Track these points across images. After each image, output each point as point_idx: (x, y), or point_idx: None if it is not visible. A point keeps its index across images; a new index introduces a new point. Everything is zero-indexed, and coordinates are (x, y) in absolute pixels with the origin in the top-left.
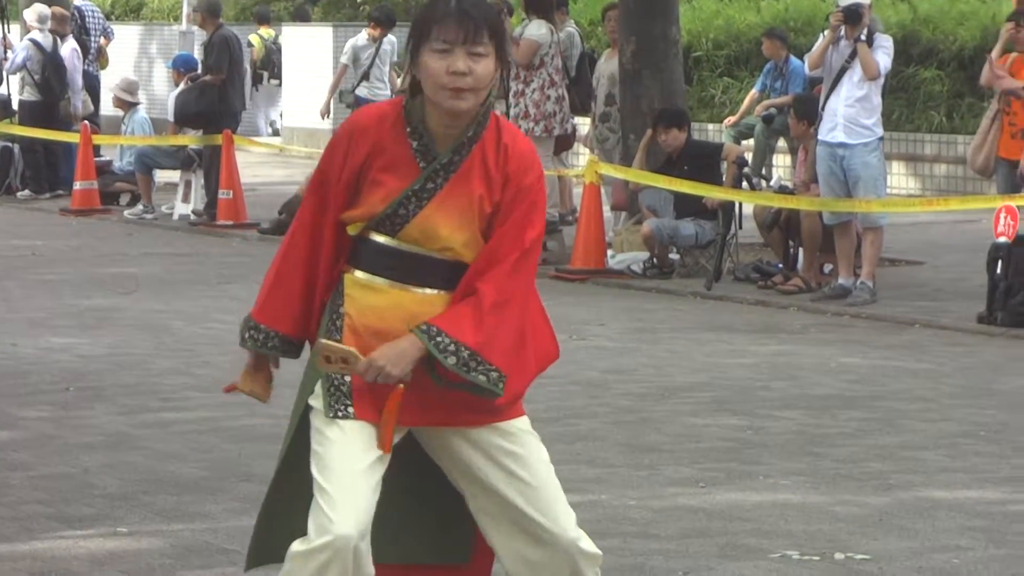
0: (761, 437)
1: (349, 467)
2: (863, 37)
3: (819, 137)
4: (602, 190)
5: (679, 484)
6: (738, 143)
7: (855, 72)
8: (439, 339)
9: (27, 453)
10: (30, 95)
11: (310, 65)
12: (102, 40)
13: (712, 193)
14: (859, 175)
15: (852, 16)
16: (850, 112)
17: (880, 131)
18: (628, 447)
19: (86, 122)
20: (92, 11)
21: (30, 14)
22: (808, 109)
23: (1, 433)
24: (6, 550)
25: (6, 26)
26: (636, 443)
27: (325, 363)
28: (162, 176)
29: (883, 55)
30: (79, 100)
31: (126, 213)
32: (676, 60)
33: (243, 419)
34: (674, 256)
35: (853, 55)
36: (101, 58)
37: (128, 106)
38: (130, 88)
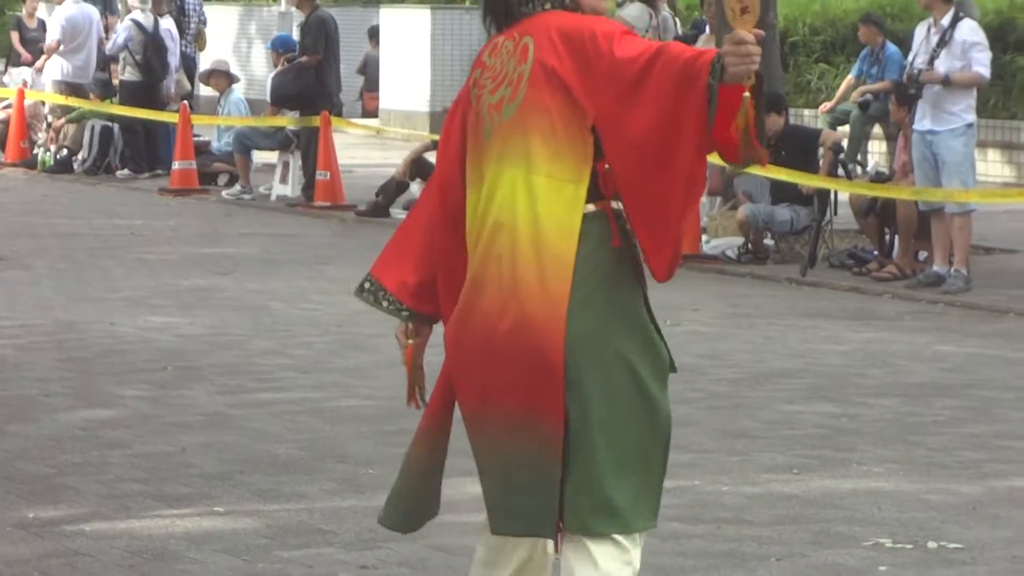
0: (855, 424)
1: None
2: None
3: (912, 124)
4: None
5: (773, 470)
6: (834, 129)
7: (943, 59)
8: None
9: (125, 432)
10: (131, 75)
11: (407, 47)
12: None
13: (808, 181)
14: (945, 160)
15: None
16: (938, 98)
17: (970, 117)
18: (722, 432)
19: (185, 102)
20: None
21: None
22: (908, 95)
23: (100, 412)
24: (104, 528)
25: (107, 6)
26: (730, 429)
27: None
28: (260, 157)
29: (979, 66)
30: (172, 81)
31: (224, 193)
32: (773, 45)
33: (339, 400)
34: (769, 242)
35: (941, 42)
36: (199, 40)
37: (224, 85)
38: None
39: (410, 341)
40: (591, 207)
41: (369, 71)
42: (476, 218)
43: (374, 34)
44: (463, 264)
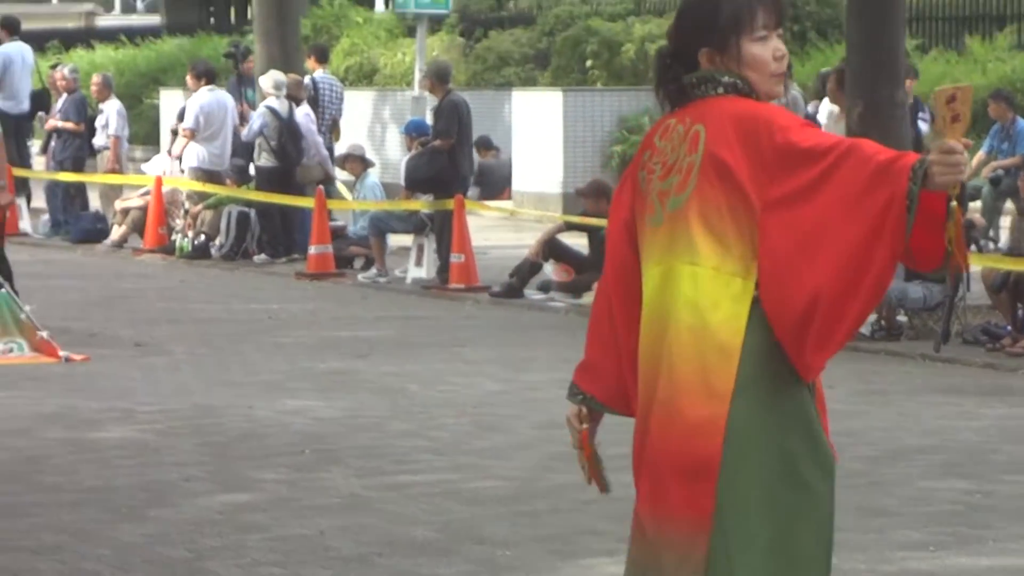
0: (991, 501)
1: None
2: None
3: None
4: None
5: (909, 548)
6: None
7: None
8: None
9: (264, 515)
10: (267, 161)
11: (540, 130)
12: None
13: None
14: None
15: None
16: None
17: None
18: (858, 510)
19: (320, 187)
20: (330, 85)
21: (266, 81)
22: None
23: (239, 495)
24: None
25: (243, 92)
26: (866, 506)
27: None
28: (395, 240)
29: None
30: (329, 163)
31: (360, 276)
32: (903, 122)
33: (477, 481)
34: (902, 318)
35: None
36: (334, 130)
37: (359, 169)
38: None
39: (584, 426)
40: (756, 294)
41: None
42: (644, 308)
43: (487, 144)
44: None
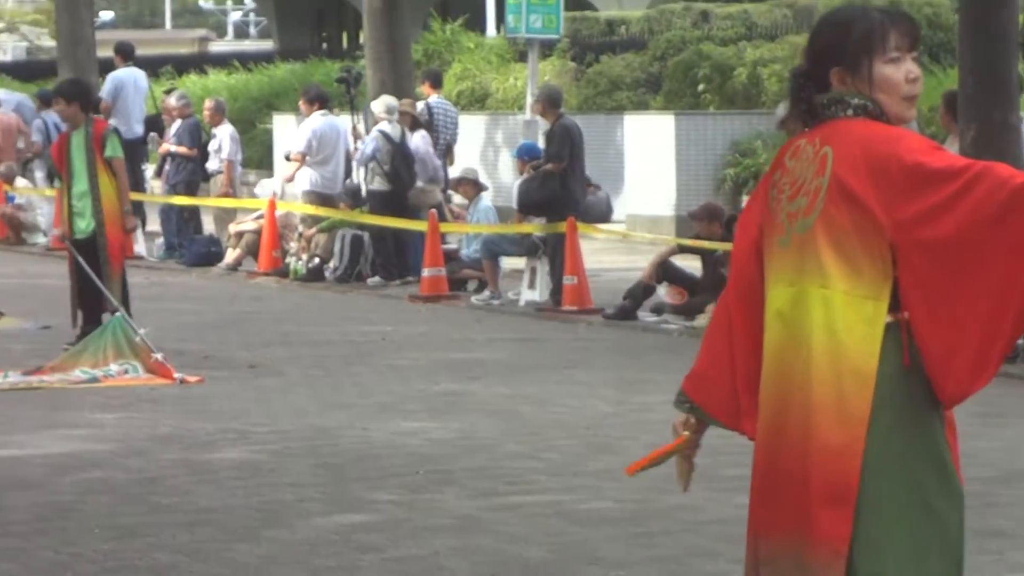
0: None
1: None
2: None
3: None
4: None
5: None
6: None
7: None
8: None
9: (378, 536)
10: (379, 185)
11: (652, 153)
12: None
13: None
14: None
15: None
16: None
17: None
18: (974, 532)
19: (434, 211)
20: (444, 109)
21: (378, 105)
22: None
23: (353, 516)
24: None
25: (356, 116)
26: (982, 528)
27: None
28: (508, 263)
29: None
30: (438, 187)
31: (473, 299)
32: (1017, 146)
33: (590, 502)
34: (1021, 340)
35: None
36: (449, 155)
37: (472, 193)
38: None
39: (685, 433)
40: (889, 318)
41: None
42: (769, 329)
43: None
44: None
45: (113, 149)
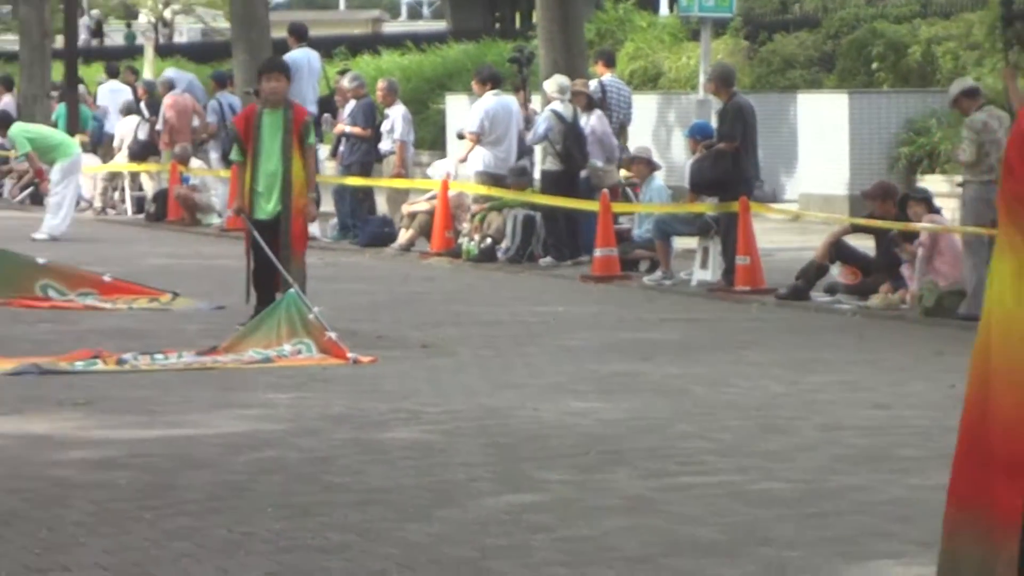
0: None
1: None
2: None
3: None
4: None
5: None
6: None
7: None
8: None
9: (549, 515)
10: (552, 165)
11: (826, 132)
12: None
13: None
14: None
15: None
16: None
17: None
18: None
19: (605, 191)
20: (618, 88)
21: (550, 85)
22: None
23: (524, 496)
24: None
25: (527, 95)
26: None
27: None
28: (680, 243)
29: None
30: (616, 167)
31: (645, 279)
32: None
33: (761, 483)
34: None
35: None
36: (622, 134)
37: (645, 172)
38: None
39: None
40: None
41: None
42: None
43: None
44: None
45: (312, 137)
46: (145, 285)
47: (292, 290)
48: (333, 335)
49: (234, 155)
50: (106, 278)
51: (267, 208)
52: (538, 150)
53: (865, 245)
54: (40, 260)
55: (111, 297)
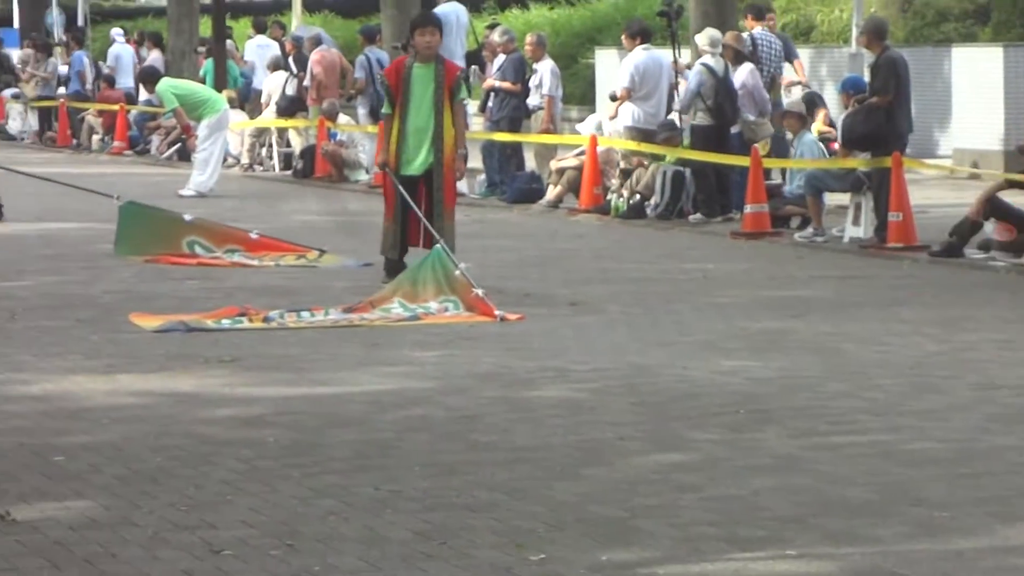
0: None
1: None
2: None
3: None
4: None
5: None
6: None
7: None
8: None
9: (698, 475)
10: (702, 120)
11: (980, 86)
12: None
13: None
14: None
15: None
16: None
17: None
18: None
19: (756, 146)
20: (769, 42)
21: (702, 38)
22: None
23: (672, 455)
24: (677, 571)
25: (677, 50)
26: None
27: None
28: (832, 199)
29: None
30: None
31: (796, 236)
32: None
33: (914, 443)
34: None
35: None
36: (774, 88)
37: (797, 127)
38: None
39: None
40: None
41: None
42: None
43: None
44: None
45: (464, 92)
46: (292, 242)
47: (438, 246)
48: (480, 292)
49: (383, 107)
50: (253, 235)
51: (415, 163)
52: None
53: (1021, 202)
54: (187, 217)
55: (258, 254)
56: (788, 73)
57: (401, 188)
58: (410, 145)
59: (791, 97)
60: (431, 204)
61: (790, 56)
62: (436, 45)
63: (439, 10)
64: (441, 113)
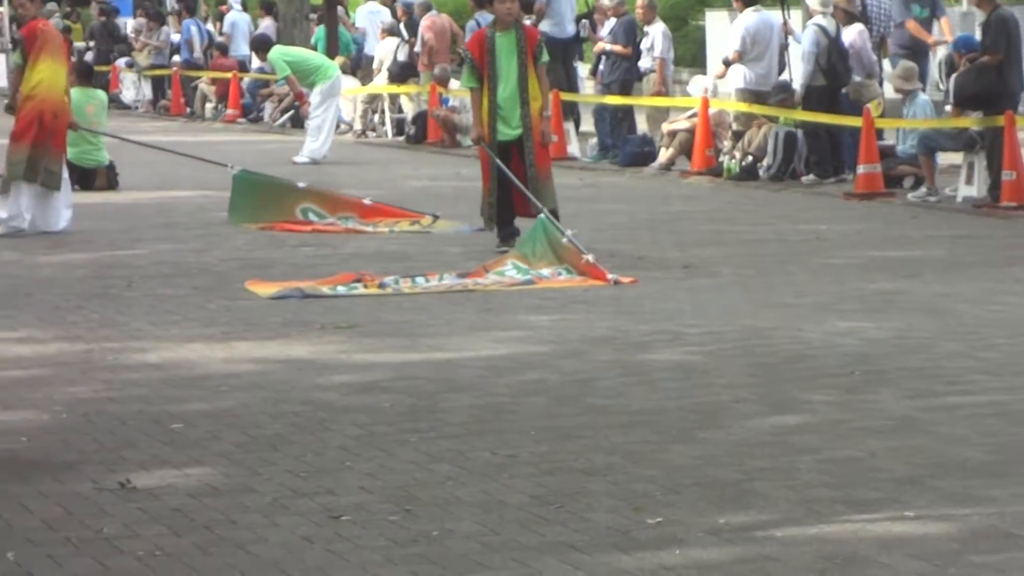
0: None
1: None
2: None
3: None
4: None
5: None
6: None
7: None
8: None
9: (814, 437)
10: (816, 80)
11: None
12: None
13: None
14: None
15: None
16: None
17: None
18: None
19: (868, 106)
20: (878, 1)
21: (813, 0)
22: None
23: (788, 417)
24: (794, 533)
25: (787, 11)
26: None
27: None
28: (945, 158)
29: None
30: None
31: (909, 196)
32: None
33: None
34: None
35: None
36: (883, 47)
37: (907, 92)
38: (906, 75)
39: None
40: None
41: None
42: None
43: None
44: None
45: (546, 55)
46: (406, 208)
47: (542, 216)
48: (590, 257)
49: (467, 81)
50: (366, 201)
51: (509, 132)
52: (799, 64)
53: None
54: (300, 184)
55: (372, 220)
56: (935, 32)
57: (499, 161)
58: (503, 115)
59: (936, 57)
60: (525, 168)
61: (937, 13)
62: (516, 12)
63: None
64: (526, 79)
